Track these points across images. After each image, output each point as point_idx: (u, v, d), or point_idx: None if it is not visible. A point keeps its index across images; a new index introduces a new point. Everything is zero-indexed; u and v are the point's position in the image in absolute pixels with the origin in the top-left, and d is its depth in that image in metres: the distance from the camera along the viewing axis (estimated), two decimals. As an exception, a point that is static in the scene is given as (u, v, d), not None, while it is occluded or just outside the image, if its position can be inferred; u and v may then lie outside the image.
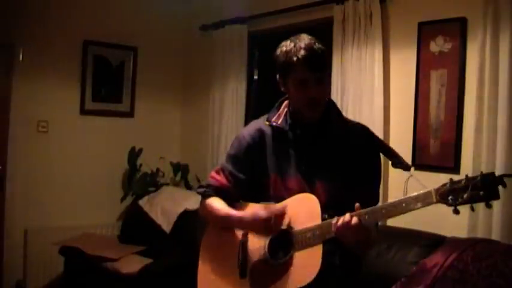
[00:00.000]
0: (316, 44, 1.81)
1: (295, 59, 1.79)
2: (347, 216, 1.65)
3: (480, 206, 2.67)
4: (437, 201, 1.53)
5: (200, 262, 2.05)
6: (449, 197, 1.50)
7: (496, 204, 2.64)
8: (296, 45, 1.80)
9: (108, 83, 4.60)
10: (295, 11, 3.80)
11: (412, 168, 1.92)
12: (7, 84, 4.14)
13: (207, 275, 2.01)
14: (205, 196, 2.02)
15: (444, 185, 1.53)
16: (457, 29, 2.92)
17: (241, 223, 1.88)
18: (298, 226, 1.78)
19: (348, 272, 1.85)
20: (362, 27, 3.31)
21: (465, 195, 1.47)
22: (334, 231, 1.66)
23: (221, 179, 1.99)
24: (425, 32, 3.07)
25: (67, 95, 4.39)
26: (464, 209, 2.81)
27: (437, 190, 1.54)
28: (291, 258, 1.77)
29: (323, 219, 1.73)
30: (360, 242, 1.70)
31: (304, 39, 1.82)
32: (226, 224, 1.93)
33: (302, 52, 1.78)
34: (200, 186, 2.09)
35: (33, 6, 4.17)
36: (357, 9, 3.34)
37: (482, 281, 2.26)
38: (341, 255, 1.79)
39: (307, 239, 1.73)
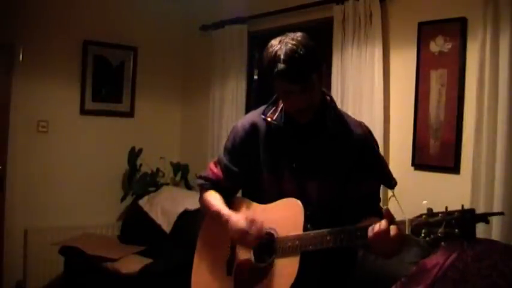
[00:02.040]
0: (299, 51, 1.67)
1: (275, 70, 1.69)
2: (384, 223, 1.55)
3: (480, 206, 2.70)
4: (410, 233, 1.48)
5: (196, 253, 2.08)
6: (423, 231, 1.44)
7: (496, 204, 2.65)
8: (277, 54, 1.69)
9: (108, 83, 4.60)
10: (295, 11, 3.80)
11: (392, 191, 1.85)
12: (7, 84, 4.14)
13: (200, 266, 2.04)
14: (203, 189, 2.04)
15: (420, 216, 1.47)
16: (457, 29, 2.92)
17: (226, 224, 1.86)
18: (282, 231, 1.78)
19: (331, 284, 1.84)
20: (362, 27, 3.31)
21: (439, 231, 1.41)
22: (371, 237, 1.58)
23: (217, 172, 2.00)
24: (425, 32, 3.07)
25: (67, 95, 4.39)
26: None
27: (411, 221, 1.49)
28: (272, 263, 1.78)
29: (305, 228, 1.72)
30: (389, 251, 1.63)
31: (287, 45, 1.69)
32: (216, 220, 1.93)
33: (282, 65, 1.67)
34: (200, 177, 2.09)
35: (33, 6, 4.17)
36: (357, 9, 3.34)
37: (482, 281, 2.26)
38: (322, 268, 1.76)
39: (287, 247, 1.73)
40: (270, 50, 1.73)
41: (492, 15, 2.69)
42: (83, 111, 4.47)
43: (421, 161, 3.09)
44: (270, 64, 1.71)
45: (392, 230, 1.54)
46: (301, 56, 1.67)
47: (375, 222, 1.58)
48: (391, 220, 1.56)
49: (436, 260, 2.43)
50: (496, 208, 2.64)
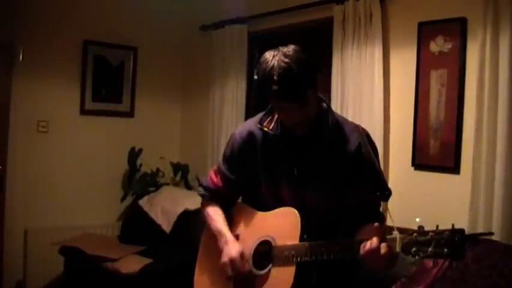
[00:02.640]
0: (293, 68, 1.63)
1: (269, 89, 1.67)
2: (375, 241, 1.57)
3: (480, 206, 2.70)
4: (400, 250, 1.49)
5: (198, 257, 2.10)
6: (413, 249, 1.46)
7: (496, 205, 2.65)
8: (271, 74, 1.65)
9: (108, 83, 4.60)
10: (295, 11, 3.79)
11: (387, 203, 1.86)
12: (7, 84, 4.13)
13: (202, 271, 2.06)
14: (204, 200, 2.07)
15: (411, 234, 1.48)
16: (457, 29, 2.92)
17: (224, 246, 1.90)
18: (279, 240, 1.81)
19: None
20: (362, 27, 3.31)
21: (429, 250, 1.42)
22: (363, 254, 1.60)
23: (217, 181, 2.02)
24: (425, 32, 3.07)
25: (67, 95, 4.39)
26: (463, 208, 2.83)
27: (402, 239, 1.50)
28: (269, 271, 1.80)
29: (301, 238, 1.74)
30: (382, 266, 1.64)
31: (280, 64, 1.64)
32: (216, 237, 1.97)
33: (275, 86, 1.65)
34: (200, 185, 2.13)
35: (33, 6, 4.17)
36: (357, 9, 3.34)
37: (482, 281, 2.27)
38: (318, 277, 1.77)
39: (284, 256, 1.76)
40: (264, 66, 1.69)
41: (492, 15, 2.69)
42: (83, 111, 4.47)
43: (421, 161, 3.09)
44: (264, 83, 1.69)
45: (383, 248, 1.55)
46: (294, 75, 1.65)
47: (366, 239, 1.59)
48: (382, 237, 1.57)
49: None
50: (496, 208, 2.64)
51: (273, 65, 1.66)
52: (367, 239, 1.58)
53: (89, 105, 4.49)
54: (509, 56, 2.63)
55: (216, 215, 1.99)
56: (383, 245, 1.55)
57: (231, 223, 2.00)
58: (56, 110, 4.32)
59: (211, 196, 2.04)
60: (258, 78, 1.74)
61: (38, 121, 4.25)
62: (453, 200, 2.89)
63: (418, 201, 3.01)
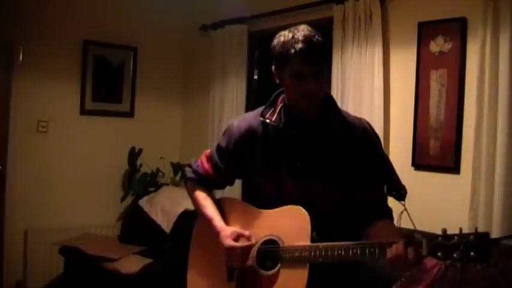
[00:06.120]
0: (316, 36, 1.72)
1: (292, 51, 1.70)
2: (400, 247, 1.54)
3: (480, 206, 2.70)
4: (427, 253, 1.48)
5: (190, 255, 2.05)
6: (439, 253, 1.45)
7: (496, 204, 2.65)
8: (294, 37, 1.72)
9: (108, 83, 4.60)
10: (295, 11, 3.79)
11: (403, 203, 1.84)
12: (7, 84, 4.14)
13: (197, 270, 2.00)
14: (191, 183, 2.04)
15: (436, 237, 1.47)
16: (457, 29, 2.92)
17: (217, 236, 1.87)
18: (287, 240, 1.75)
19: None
20: (362, 27, 3.31)
21: (455, 254, 1.42)
22: (388, 259, 1.57)
23: (208, 168, 1.99)
24: (425, 32, 3.07)
25: (67, 95, 4.39)
26: (464, 208, 2.83)
27: (428, 242, 1.48)
28: (278, 272, 1.74)
29: (312, 238, 1.69)
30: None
31: (304, 31, 1.73)
32: (209, 227, 1.94)
33: (300, 45, 1.69)
34: (189, 166, 2.08)
35: (33, 6, 4.17)
36: (357, 9, 3.34)
37: (482, 281, 2.27)
38: (328, 279, 1.73)
39: (294, 257, 1.70)
40: (284, 37, 1.75)
41: (492, 15, 2.69)
42: (83, 111, 4.47)
43: (421, 161, 3.09)
44: (286, 46, 1.72)
45: (410, 253, 1.52)
46: (318, 41, 1.72)
47: (393, 243, 1.55)
48: (406, 241, 1.53)
49: (436, 260, 2.43)
50: (496, 208, 2.64)
51: (296, 32, 1.73)
52: (394, 243, 1.55)
53: (89, 105, 4.49)
54: (509, 56, 2.63)
55: (205, 201, 1.98)
56: (410, 249, 1.52)
57: (232, 221, 1.94)
58: (56, 110, 4.32)
59: (199, 181, 2.01)
60: (277, 47, 1.76)
61: (38, 121, 4.25)
62: (453, 200, 2.89)
63: (418, 201, 3.00)
